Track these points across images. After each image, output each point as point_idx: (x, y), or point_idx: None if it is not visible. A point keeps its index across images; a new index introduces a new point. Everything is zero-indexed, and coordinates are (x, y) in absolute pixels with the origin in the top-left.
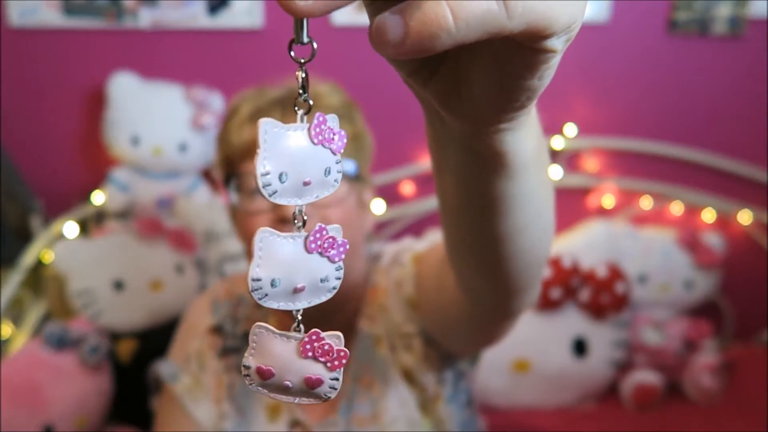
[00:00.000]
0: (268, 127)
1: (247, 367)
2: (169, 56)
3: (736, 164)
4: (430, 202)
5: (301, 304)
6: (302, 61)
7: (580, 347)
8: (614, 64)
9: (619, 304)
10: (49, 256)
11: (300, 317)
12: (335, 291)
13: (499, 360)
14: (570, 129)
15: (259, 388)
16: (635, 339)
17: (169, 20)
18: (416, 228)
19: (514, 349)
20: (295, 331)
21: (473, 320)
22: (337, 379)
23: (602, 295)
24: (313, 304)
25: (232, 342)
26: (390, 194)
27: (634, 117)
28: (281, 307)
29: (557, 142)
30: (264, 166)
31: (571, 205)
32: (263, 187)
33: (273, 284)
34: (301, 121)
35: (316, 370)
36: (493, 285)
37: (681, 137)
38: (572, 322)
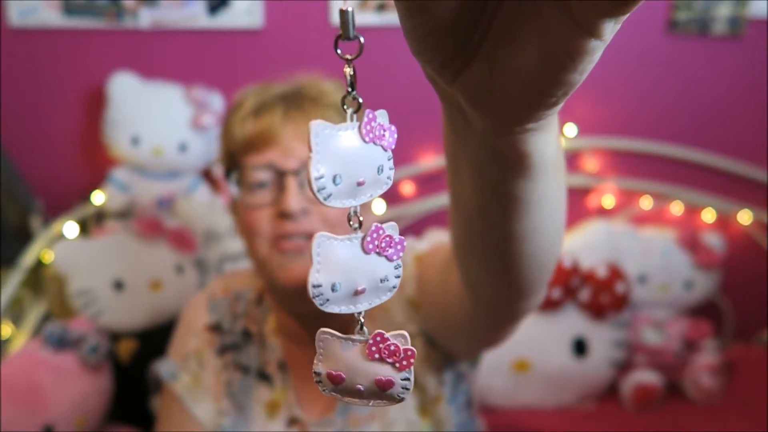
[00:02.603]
0: (319, 129)
1: (318, 374)
2: (169, 56)
3: (736, 164)
4: (430, 202)
5: (362, 306)
6: (349, 57)
7: (580, 347)
8: (614, 64)
9: (619, 304)
10: (49, 256)
11: (362, 320)
12: (395, 290)
13: (499, 360)
14: (570, 129)
15: (333, 393)
16: (635, 339)
17: (169, 20)
18: (416, 228)
19: (514, 349)
20: (358, 333)
21: (477, 322)
22: (408, 379)
23: (602, 295)
24: (374, 305)
25: (230, 339)
26: (390, 194)
27: (634, 117)
28: (343, 311)
29: None
30: (318, 170)
31: (571, 205)
32: (318, 191)
33: (333, 289)
34: (351, 119)
35: (385, 371)
36: (501, 286)
37: (681, 137)
38: (572, 322)
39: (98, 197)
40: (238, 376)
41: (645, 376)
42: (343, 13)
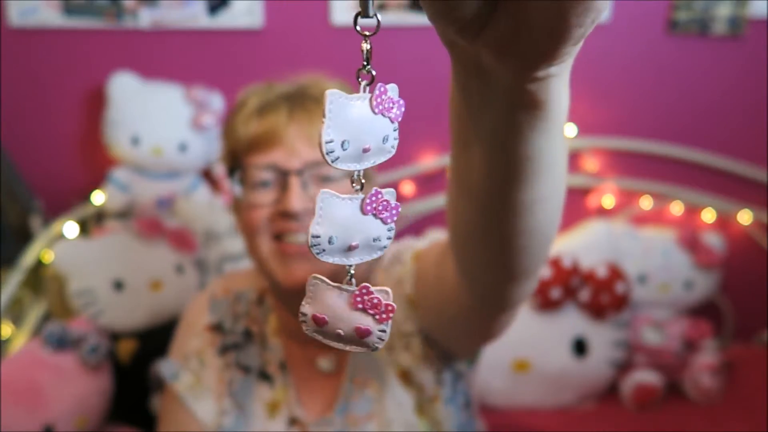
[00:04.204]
0: (333, 97)
1: (304, 314)
2: (169, 56)
3: (736, 164)
4: (430, 202)
5: (354, 260)
6: (367, 34)
7: (580, 347)
8: (614, 64)
9: (619, 304)
10: (49, 256)
11: (353, 272)
12: (386, 249)
13: (499, 360)
14: (570, 129)
15: (315, 334)
16: (635, 339)
17: (169, 20)
18: (416, 228)
19: (514, 349)
20: (347, 284)
21: (471, 312)
22: (384, 331)
23: (602, 295)
24: (365, 260)
25: (232, 339)
26: None
27: (634, 117)
28: (336, 262)
29: None
30: (328, 135)
31: (571, 205)
32: (327, 153)
33: (330, 241)
34: (364, 91)
35: (365, 321)
36: (496, 268)
37: (681, 137)
38: (572, 322)
39: (98, 197)
40: (240, 376)
41: (645, 376)
42: None
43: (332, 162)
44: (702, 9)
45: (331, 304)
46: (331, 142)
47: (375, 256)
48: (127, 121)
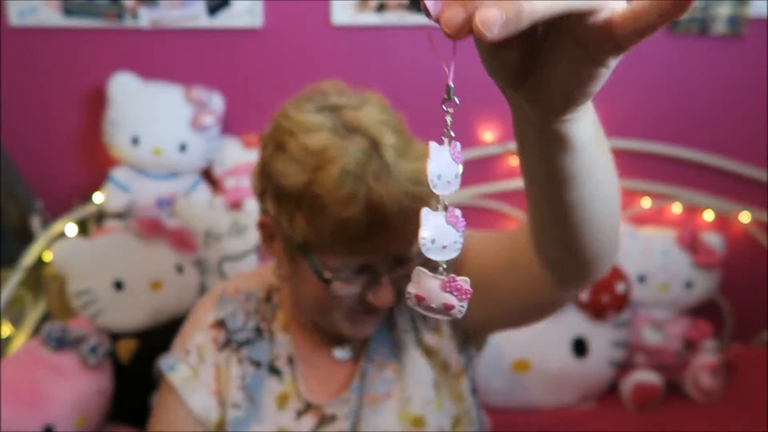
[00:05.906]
0: (434, 146)
1: (409, 293)
2: (169, 56)
3: (736, 164)
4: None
5: (444, 257)
6: (450, 110)
7: (580, 347)
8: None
9: (619, 304)
10: (49, 256)
11: (446, 266)
12: (459, 250)
13: (499, 360)
14: None
15: (416, 306)
16: (635, 339)
17: (169, 20)
18: None
19: (514, 349)
20: (440, 273)
21: (550, 291)
22: (464, 306)
23: (602, 295)
24: (451, 257)
25: (243, 335)
26: None
27: (634, 117)
28: (436, 258)
29: None
30: (434, 170)
31: None
32: (432, 186)
33: (432, 242)
34: (448, 144)
35: (451, 299)
36: (569, 252)
37: (681, 137)
38: (572, 322)
39: (98, 197)
40: (251, 370)
41: (645, 376)
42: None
43: (434, 187)
44: (702, 9)
45: (428, 287)
46: (436, 177)
47: (455, 254)
48: (127, 121)
